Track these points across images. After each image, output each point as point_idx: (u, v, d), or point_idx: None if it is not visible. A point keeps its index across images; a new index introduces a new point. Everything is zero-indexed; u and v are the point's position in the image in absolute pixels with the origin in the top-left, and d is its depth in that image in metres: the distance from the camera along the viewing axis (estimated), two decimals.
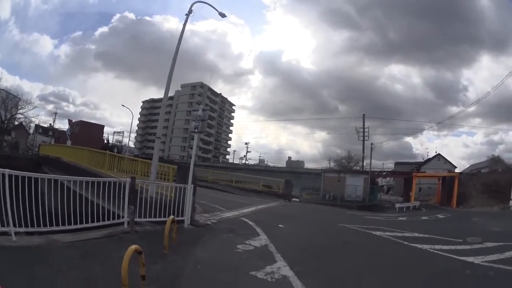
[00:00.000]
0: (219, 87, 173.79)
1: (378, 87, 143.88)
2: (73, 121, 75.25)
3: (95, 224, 8.33)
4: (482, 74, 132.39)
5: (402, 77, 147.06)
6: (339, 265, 8.29)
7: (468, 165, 79.50)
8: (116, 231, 8.47)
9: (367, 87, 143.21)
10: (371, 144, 52.78)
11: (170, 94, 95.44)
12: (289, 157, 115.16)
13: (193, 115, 12.40)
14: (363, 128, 52.55)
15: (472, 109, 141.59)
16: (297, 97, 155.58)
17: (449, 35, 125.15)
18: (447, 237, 13.14)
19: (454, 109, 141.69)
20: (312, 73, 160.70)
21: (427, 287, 7.07)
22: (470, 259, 9.09)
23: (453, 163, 67.76)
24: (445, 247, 11.08)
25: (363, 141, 51.68)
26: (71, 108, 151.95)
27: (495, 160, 54.86)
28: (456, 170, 58.66)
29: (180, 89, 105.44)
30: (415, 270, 8.38)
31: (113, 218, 8.95)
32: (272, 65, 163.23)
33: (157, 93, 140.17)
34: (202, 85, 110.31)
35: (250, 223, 12.89)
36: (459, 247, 11.24)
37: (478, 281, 7.43)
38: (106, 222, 8.61)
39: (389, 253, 10.75)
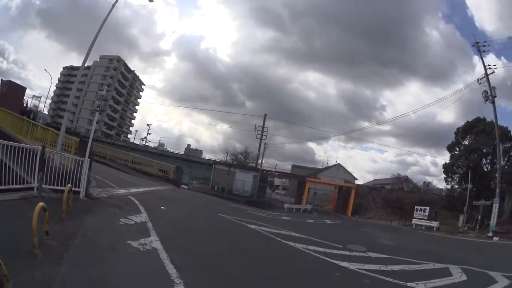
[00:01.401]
0: (134, 63, 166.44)
1: (289, 90, 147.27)
2: (4, 80, 67.03)
3: (8, 186, 8.80)
4: (406, 99, 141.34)
5: (317, 85, 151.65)
6: (205, 247, 8.95)
7: (373, 179, 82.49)
8: (28, 195, 9.11)
9: (278, 88, 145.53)
10: (265, 144, 53.39)
11: (89, 63, 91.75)
12: (189, 145, 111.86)
13: (98, 94, 13.41)
14: (262, 127, 52.77)
15: (387, 128, 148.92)
16: (207, 87, 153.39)
17: (380, 56, 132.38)
18: (327, 241, 12.80)
19: (365, 125, 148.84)
20: (227, 65, 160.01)
21: (282, 276, 7.33)
22: (344, 264, 8.87)
23: (354, 174, 69.65)
24: (320, 249, 10.73)
25: (260, 139, 52.16)
26: (4, 65, 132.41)
27: (400, 179, 57.56)
28: (357, 182, 60.65)
29: (98, 60, 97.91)
30: (277, 262, 8.80)
31: (24, 183, 9.38)
32: (189, 51, 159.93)
33: (77, 61, 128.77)
34: (119, 59, 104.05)
35: (136, 201, 13.47)
36: (336, 251, 10.88)
37: (344, 284, 7.52)
38: (18, 186, 9.13)
39: (257, 244, 11.34)
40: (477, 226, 28.19)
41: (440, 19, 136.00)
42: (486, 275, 9.27)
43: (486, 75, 29.92)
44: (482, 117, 41.43)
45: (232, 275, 6.62)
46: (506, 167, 39.31)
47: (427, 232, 27.88)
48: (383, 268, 9.01)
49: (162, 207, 14.60)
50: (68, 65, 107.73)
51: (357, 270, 8.36)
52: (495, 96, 29.31)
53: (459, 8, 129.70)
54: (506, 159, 41.35)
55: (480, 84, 30.60)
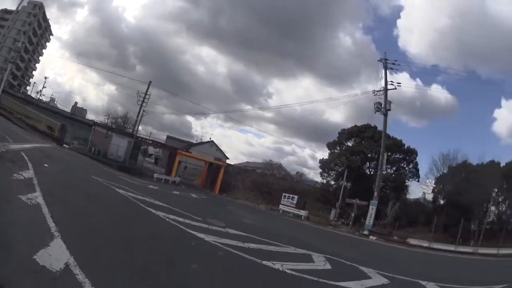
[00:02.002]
0: (51, 11, 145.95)
1: (181, 62, 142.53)
2: None
3: None
4: (296, 92, 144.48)
5: (209, 61, 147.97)
6: (78, 205, 9.50)
7: (246, 161, 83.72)
8: None
9: (171, 58, 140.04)
10: (143, 111, 51.37)
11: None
12: (76, 103, 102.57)
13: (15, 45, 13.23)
14: (145, 93, 50.72)
15: (269, 115, 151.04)
16: (106, 45, 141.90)
17: (281, 47, 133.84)
18: (188, 213, 13.09)
19: (248, 108, 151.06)
20: (130, 26, 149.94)
21: (139, 238, 7.80)
22: (201, 235, 9.16)
23: (228, 154, 70.51)
24: (180, 219, 11.03)
25: (141, 105, 50.10)
26: None
27: (272, 165, 59.46)
28: (229, 162, 61.31)
29: (26, 5, 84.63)
30: (137, 225, 9.34)
31: None
32: (100, 6, 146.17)
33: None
34: (40, 6, 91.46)
35: (26, 158, 13.42)
36: (195, 223, 11.10)
37: (197, 252, 7.73)
38: None
39: (122, 208, 11.99)
40: (350, 223, 30.49)
41: (359, 29, 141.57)
42: (356, 269, 9.73)
43: (386, 89, 32.17)
44: (373, 125, 45.09)
45: (101, 233, 7.21)
46: (393, 175, 44.29)
47: (294, 220, 29.12)
48: (239, 244, 9.24)
49: (45, 165, 14.84)
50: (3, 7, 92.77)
51: (213, 242, 8.60)
52: (389, 110, 31.88)
53: (385, 25, 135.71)
54: (394, 168, 46.23)
55: (375, 95, 32.71)
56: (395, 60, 33.88)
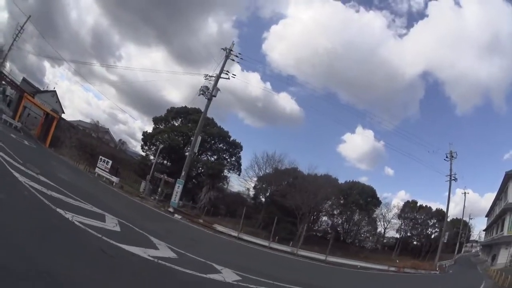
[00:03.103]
0: None
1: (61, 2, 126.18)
2: None
3: None
4: (144, 61, 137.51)
5: (83, 8, 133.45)
6: None
7: (79, 119, 78.46)
8: None
9: None
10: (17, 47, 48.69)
11: None
12: None
13: None
14: (21, 28, 47.49)
15: (114, 77, 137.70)
16: None
17: (149, 13, 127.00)
18: (14, 155, 13.83)
19: (97, 66, 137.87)
20: None
21: None
22: (16, 174, 10.25)
23: (64, 108, 64.92)
24: (6, 157, 12.09)
25: (14, 39, 47.76)
26: None
27: (98, 128, 58.09)
28: (64, 116, 57.92)
29: None
30: None
31: None
32: None
33: None
34: None
35: None
36: (16, 164, 11.94)
37: (7, 186, 8.74)
38: None
39: None
40: (157, 197, 30.99)
41: (231, 21, 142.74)
42: (146, 238, 10.17)
43: (218, 76, 32.70)
44: (197, 108, 46.09)
45: None
46: (213, 163, 45.95)
47: (106, 185, 29.02)
48: (44, 190, 10.06)
49: None
50: None
51: (23, 182, 9.74)
52: (214, 96, 32.25)
53: (258, 26, 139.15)
54: (216, 156, 48.55)
55: (206, 79, 32.92)
56: (239, 53, 34.50)
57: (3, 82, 47.76)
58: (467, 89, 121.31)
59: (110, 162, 33.82)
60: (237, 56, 34.28)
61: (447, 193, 44.19)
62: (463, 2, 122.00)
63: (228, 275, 8.87)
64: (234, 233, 25.98)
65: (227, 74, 33.60)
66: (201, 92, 32.46)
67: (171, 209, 27.20)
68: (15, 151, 15.57)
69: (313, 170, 47.53)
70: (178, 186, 30.04)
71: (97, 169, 33.19)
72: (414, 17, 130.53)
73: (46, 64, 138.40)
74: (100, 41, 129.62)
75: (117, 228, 9.40)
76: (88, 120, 68.99)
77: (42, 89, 67.98)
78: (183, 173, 31.34)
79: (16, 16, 52.41)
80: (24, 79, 73.76)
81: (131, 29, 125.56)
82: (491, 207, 56.64)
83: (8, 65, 48.60)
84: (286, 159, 48.02)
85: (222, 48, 33.76)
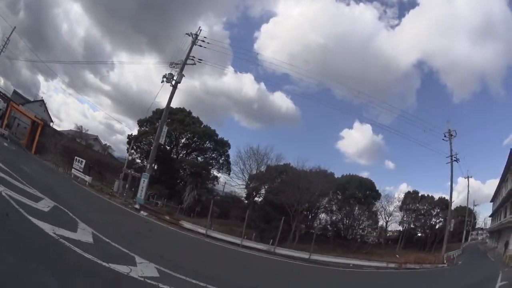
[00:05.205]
0: None
1: (52, 14, 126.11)
2: None
3: None
4: (138, 69, 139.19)
5: (74, 20, 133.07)
6: None
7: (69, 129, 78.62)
8: None
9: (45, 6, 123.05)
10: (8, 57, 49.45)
11: None
12: None
13: None
14: (7, 39, 49.10)
15: (108, 88, 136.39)
16: None
17: (141, 20, 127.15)
18: None
19: (91, 77, 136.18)
20: None
21: None
22: None
23: (53, 117, 67.35)
24: None
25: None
26: None
27: (81, 133, 59.67)
28: (55, 127, 58.34)
29: None
30: None
31: None
32: None
33: None
34: None
35: None
36: None
37: None
38: None
39: None
40: (125, 194, 29.16)
41: (221, 23, 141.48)
42: (73, 221, 10.11)
43: (184, 63, 31.26)
44: (188, 110, 47.36)
45: None
46: (199, 162, 45.43)
47: (78, 183, 28.60)
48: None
49: None
50: None
51: None
52: (179, 82, 30.70)
53: (249, 26, 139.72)
54: (202, 156, 47.72)
55: (172, 67, 31.32)
56: (205, 37, 32.71)
57: None
58: (462, 75, 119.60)
59: (84, 161, 33.32)
60: (203, 41, 32.42)
61: (449, 183, 41.05)
62: None
63: (144, 269, 7.98)
64: (202, 230, 23.74)
65: (192, 59, 32.07)
66: (166, 80, 30.50)
67: (137, 206, 25.73)
68: None
69: (303, 164, 45.10)
70: (144, 181, 28.08)
71: (73, 170, 32.70)
72: (405, 7, 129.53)
73: (40, 78, 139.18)
74: (92, 51, 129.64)
75: (46, 209, 9.38)
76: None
77: (32, 100, 68.00)
78: (147, 166, 30.45)
79: (6, 31, 52.52)
80: (15, 91, 74.25)
81: (123, 37, 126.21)
82: (496, 191, 55.29)
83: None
84: (272, 153, 45.76)
85: (187, 33, 32.21)
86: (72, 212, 11.16)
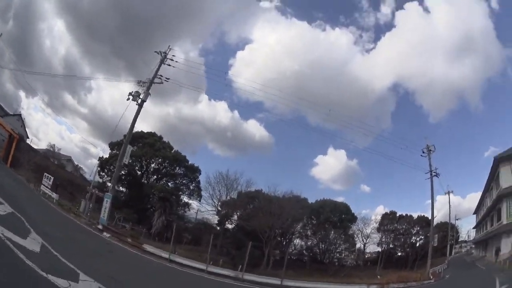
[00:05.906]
0: None
1: (37, 29, 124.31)
2: None
3: None
4: (115, 93, 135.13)
5: (57, 37, 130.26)
6: None
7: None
8: None
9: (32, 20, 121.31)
10: None
11: None
12: None
13: None
14: None
15: (85, 111, 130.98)
16: None
17: (120, 44, 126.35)
18: None
19: (69, 98, 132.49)
20: None
21: None
22: None
23: (31, 135, 64.46)
24: None
25: None
26: None
27: (54, 152, 59.25)
28: (32, 144, 57.48)
29: None
30: None
31: None
32: None
33: None
34: None
35: None
36: None
37: None
38: None
39: None
40: (88, 214, 28.08)
41: (197, 49, 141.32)
42: (26, 230, 10.18)
43: (151, 82, 30.89)
44: (159, 135, 47.20)
45: None
46: (169, 187, 44.72)
47: (46, 200, 27.95)
48: None
49: None
50: None
51: None
52: (145, 101, 30.25)
53: (225, 53, 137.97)
54: (173, 181, 47.01)
55: (139, 85, 30.95)
56: (173, 56, 32.37)
57: None
58: (440, 94, 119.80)
59: (52, 178, 33.16)
60: (172, 60, 32.23)
61: (427, 201, 41.51)
62: (431, 7, 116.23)
63: (85, 287, 7.88)
64: (165, 255, 22.87)
65: (160, 78, 31.70)
66: (132, 98, 29.89)
67: (100, 227, 25.09)
68: None
69: (274, 189, 43.80)
70: (106, 201, 27.29)
71: (42, 186, 32.19)
72: (381, 29, 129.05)
73: (22, 94, 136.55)
74: (72, 71, 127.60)
75: (2, 213, 9.75)
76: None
77: (10, 113, 66.97)
78: (110, 186, 30.10)
79: None
80: (1, 107, 72.88)
81: (101, 60, 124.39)
82: (479, 203, 56.13)
83: None
84: (242, 179, 44.81)
85: (156, 52, 31.97)
86: (28, 222, 11.13)
